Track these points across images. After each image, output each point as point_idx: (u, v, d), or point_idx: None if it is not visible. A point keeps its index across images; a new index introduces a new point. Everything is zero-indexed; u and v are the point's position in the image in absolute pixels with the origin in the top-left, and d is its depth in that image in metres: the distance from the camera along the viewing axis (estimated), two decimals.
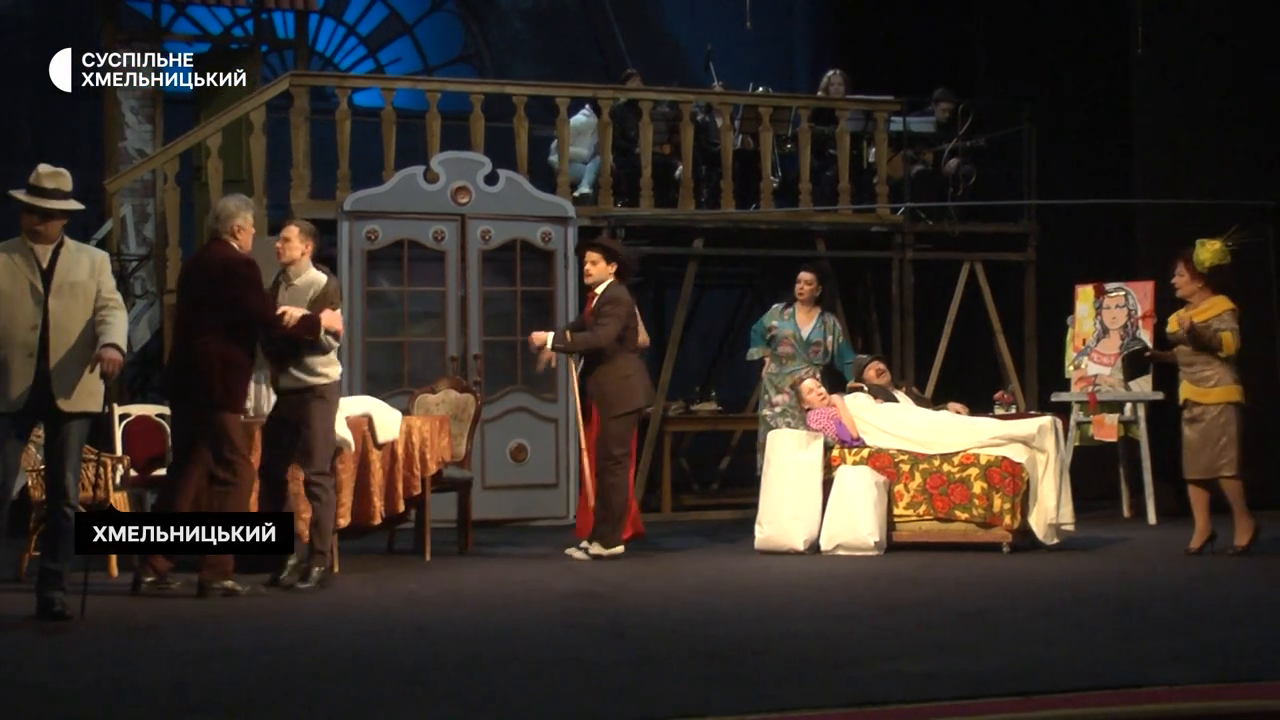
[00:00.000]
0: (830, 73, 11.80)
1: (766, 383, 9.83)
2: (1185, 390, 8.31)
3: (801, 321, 9.76)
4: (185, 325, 7.06)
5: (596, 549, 8.15)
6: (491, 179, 10.44)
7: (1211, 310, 8.24)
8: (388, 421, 8.04)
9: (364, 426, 7.91)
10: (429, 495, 8.34)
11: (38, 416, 6.31)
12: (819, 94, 11.71)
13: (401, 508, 8.14)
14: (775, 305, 10.04)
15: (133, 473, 8.13)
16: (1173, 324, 8.39)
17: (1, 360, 6.17)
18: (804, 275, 9.85)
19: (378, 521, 8.04)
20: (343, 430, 7.78)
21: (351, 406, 8.15)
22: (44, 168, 6.35)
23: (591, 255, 8.44)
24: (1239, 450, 8.14)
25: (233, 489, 6.90)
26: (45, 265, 6.26)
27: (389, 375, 10.23)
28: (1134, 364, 8.42)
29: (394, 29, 16.34)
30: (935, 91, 11.75)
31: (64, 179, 6.35)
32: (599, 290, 8.37)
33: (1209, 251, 8.28)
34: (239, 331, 6.95)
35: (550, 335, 8.40)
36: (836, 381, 9.73)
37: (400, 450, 8.05)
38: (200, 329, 6.90)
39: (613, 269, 8.39)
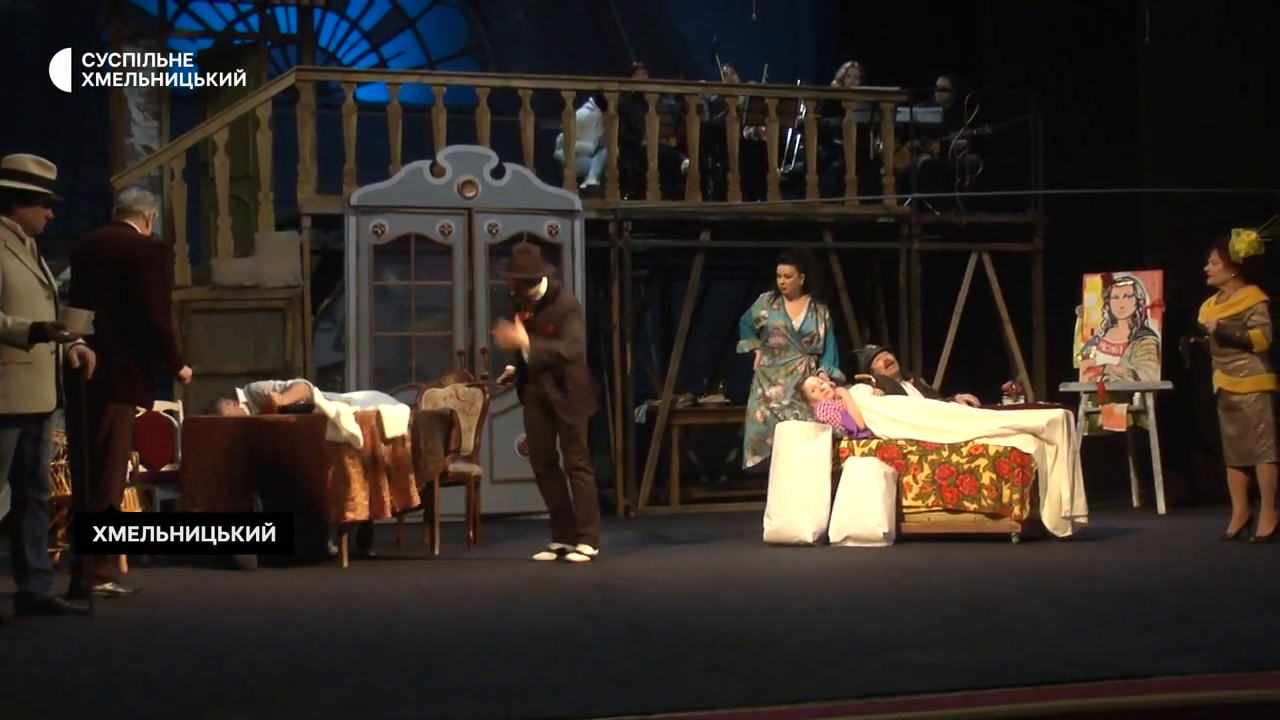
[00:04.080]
0: (847, 64, 11.76)
1: (759, 375, 9.59)
2: (1219, 379, 8.28)
3: (792, 311, 9.46)
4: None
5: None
6: (498, 172, 10.44)
7: (1243, 302, 8.20)
8: (395, 416, 8.04)
9: (372, 421, 7.92)
10: (437, 490, 8.35)
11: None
12: (834, 83, 11.69)
13: (415, 502, 8.15)
14: (763, 295, 9.72)
15: (141, 469, 8.15)
16: (1204, 315, 8.33)
17: (33, 361, 6.05)
18: (782, 268, 9.48)
19: (386, 516, 8.06)
20: (351, 425, 7.81)
21: (360, 401, 8.17)
22: (29, 158, 6.21)
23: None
24: (1276, 437, 8.14)
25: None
26: (36, 257, 6.21)
27: (396, 370, 10.24)
28: (1197, 356, 8.40)
29: (396, 23, 16.34)
30: (939, 80, 11.75)
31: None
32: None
33: (1244, 241, 8.22)
34: (129, 314, 6.64)
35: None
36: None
37: (408, 445, 8.06)
38: (106, 314, 6.51)
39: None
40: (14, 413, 6.04)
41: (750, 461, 9.59)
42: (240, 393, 8.26)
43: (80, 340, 6.19)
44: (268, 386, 8.22)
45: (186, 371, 7.17)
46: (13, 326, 5.96)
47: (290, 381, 8.35)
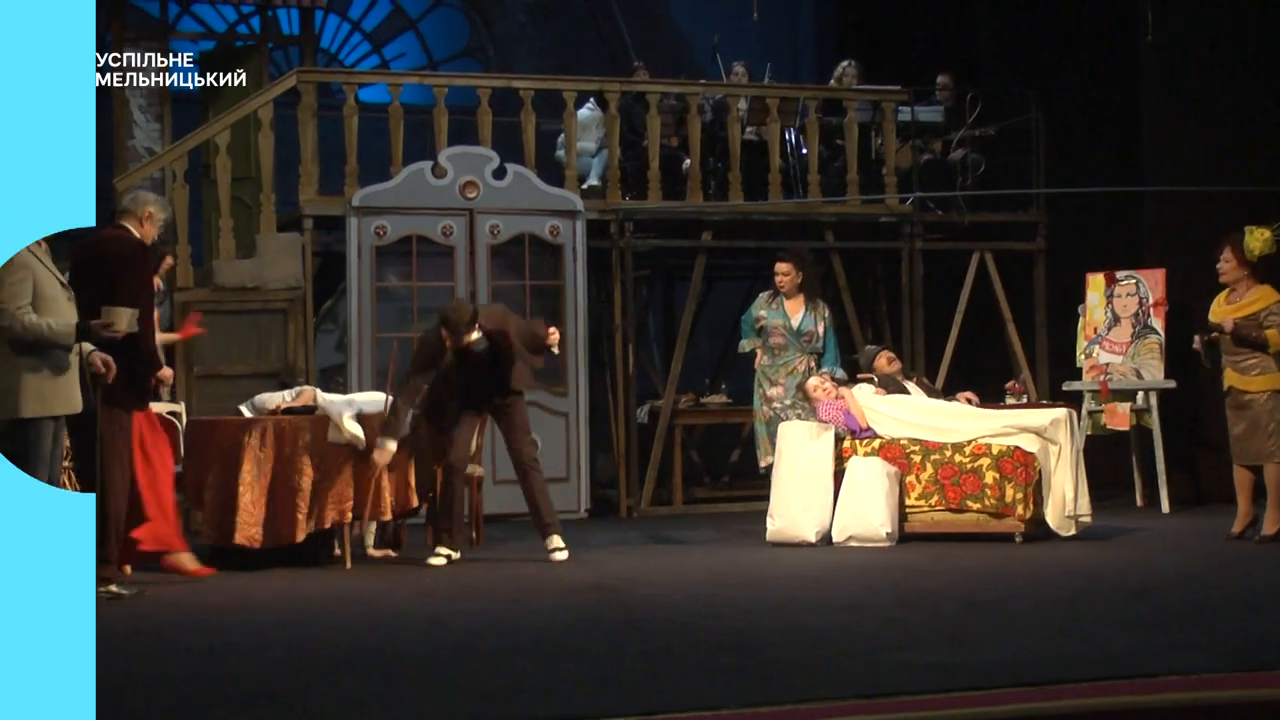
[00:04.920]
0: (844, 64, 11.74)
1: (760, 375, 9.54)
2: (1229, 378, 8.26)
3: (791, 310, 9.41)
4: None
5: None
6: (499, 173, 10.43)
7: (1259, 302, 8.15)
8: None
9: (375, 422, 7.91)
10: (440, 490, 8.33)
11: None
12: (832, 83, 11.67)
13: (414, 502, 8.15)
14: (762, 294, 9.67)
15: None
16: (1216, 313, 8.31)
17: (61, 363, 6.06)
18: (779, 266, 9.44)
19: (389, 516, 8.05)
20: (353, 427, 7.80)
21: (363, 402, 8.16)
22: None
23: None
24: None
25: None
26: (53, 259, 6.24)
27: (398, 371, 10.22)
28: (1213, 353, 8.38)
29: (398, 24, 16.33)
30: (940, 78, 11.74)
31: None
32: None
33: (1259, 240, 8.18)
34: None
35: None
36: None
37: (410, 445, 8.05)
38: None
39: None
40: (47, 415, 6.07)
41: (764, 462, 9.49)
42: (244, 409, 8.23)
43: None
44: (275, 399, 8.20)
45: (166, 373, 7.15)
46: (58, 328, 6.00)
47: (298, 389, 8.33)
